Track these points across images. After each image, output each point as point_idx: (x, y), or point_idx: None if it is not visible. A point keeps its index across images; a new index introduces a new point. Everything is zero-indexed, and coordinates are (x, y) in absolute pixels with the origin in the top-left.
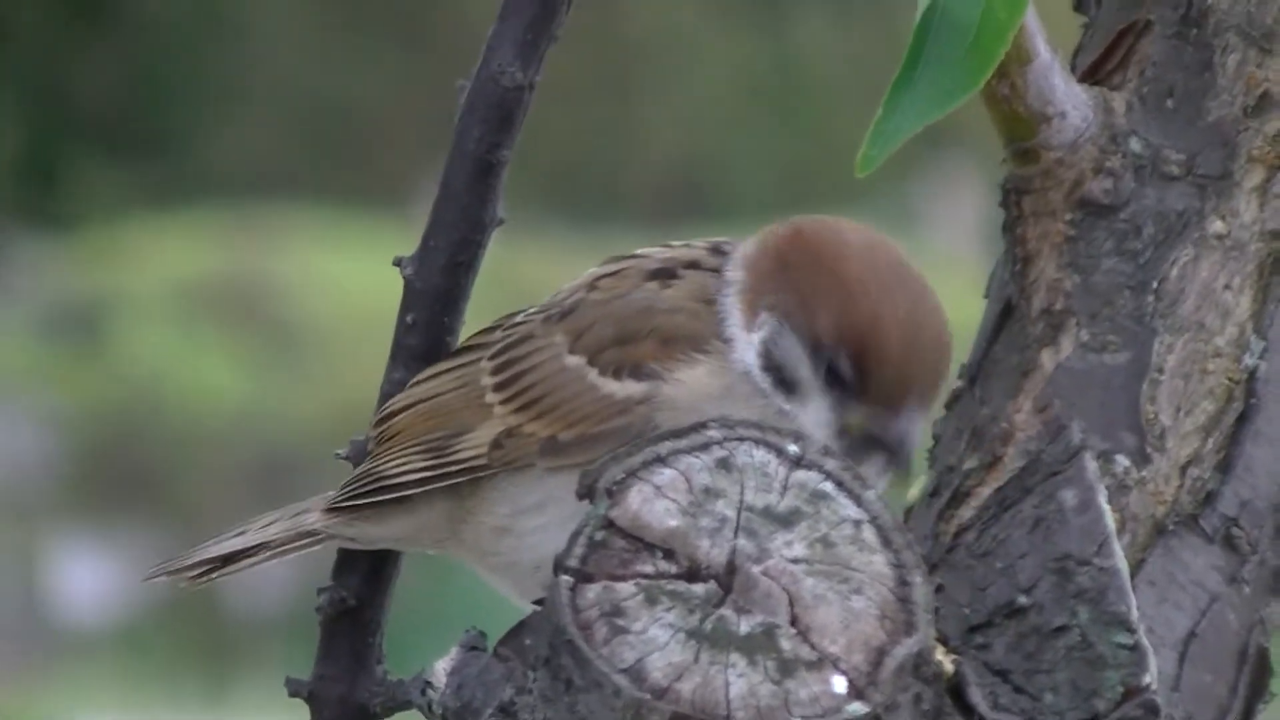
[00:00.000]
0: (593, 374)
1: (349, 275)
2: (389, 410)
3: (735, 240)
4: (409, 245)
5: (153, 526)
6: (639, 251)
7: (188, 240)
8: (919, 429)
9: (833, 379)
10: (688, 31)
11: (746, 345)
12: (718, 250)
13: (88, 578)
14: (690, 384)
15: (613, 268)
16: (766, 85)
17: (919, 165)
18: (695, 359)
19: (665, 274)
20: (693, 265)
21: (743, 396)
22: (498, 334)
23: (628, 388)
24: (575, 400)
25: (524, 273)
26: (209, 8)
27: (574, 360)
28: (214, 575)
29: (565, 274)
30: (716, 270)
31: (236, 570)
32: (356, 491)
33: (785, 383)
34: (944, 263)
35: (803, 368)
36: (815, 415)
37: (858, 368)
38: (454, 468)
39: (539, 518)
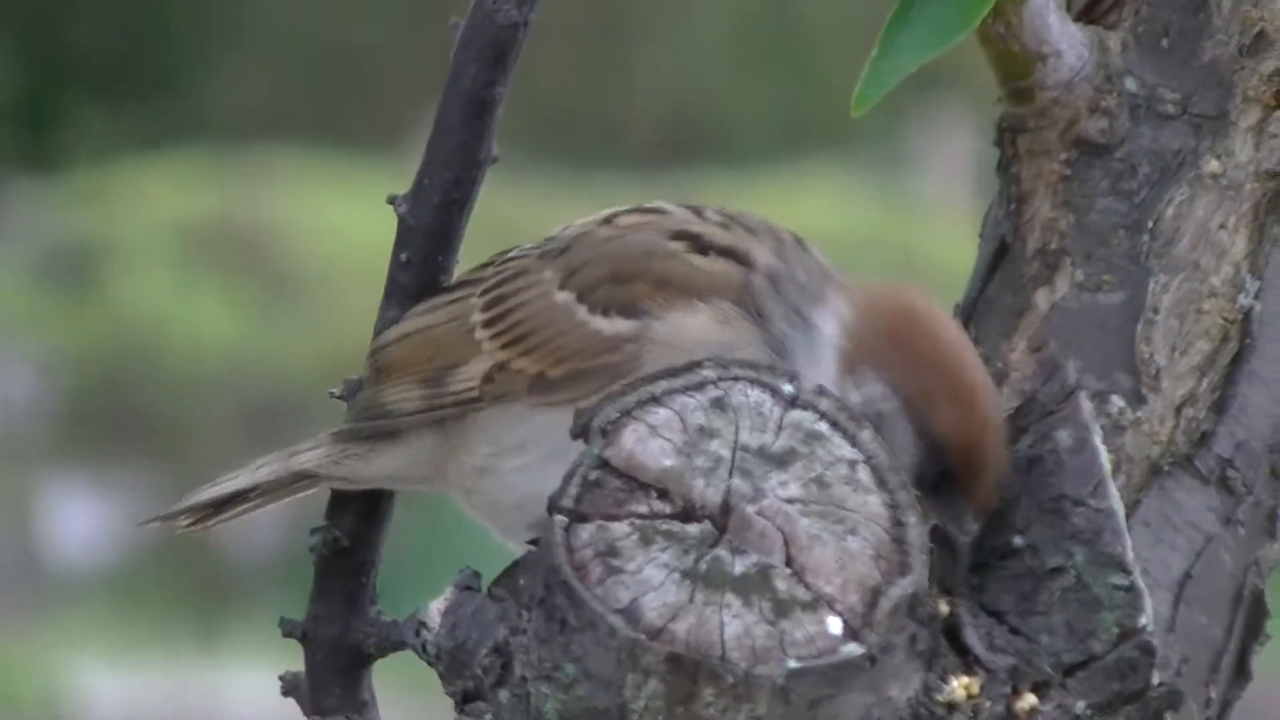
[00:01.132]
0: (582, 311)
1: (344, 218)
2: (383, 342)
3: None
4: (404, 188)
5: (146, 470)
6: (664, 206)
7: (182, 183)
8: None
9: (939, 471)
10: None
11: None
12: (748, 229)
13: (81, 522)
14: (685, 329)
15: (633, 218)
16: (760, 29)
17: (910, 108)
18: (696, 305)
19: (696, 242)
20: (728, 253)
21: (736, 323)
22: (491, 270)
23: (616, 325)
24: (563, 337)
25: (515, 215)
26: None
27: (563, 296)
28: (210, 523)
29: (556, 217)
30: (746, 263)
31: (231, 518)
32: (359, 418)
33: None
34: (935, 205)
35: (904, 449)
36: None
37: (966, 471)
38: (448, 399)
39: (519, 458)
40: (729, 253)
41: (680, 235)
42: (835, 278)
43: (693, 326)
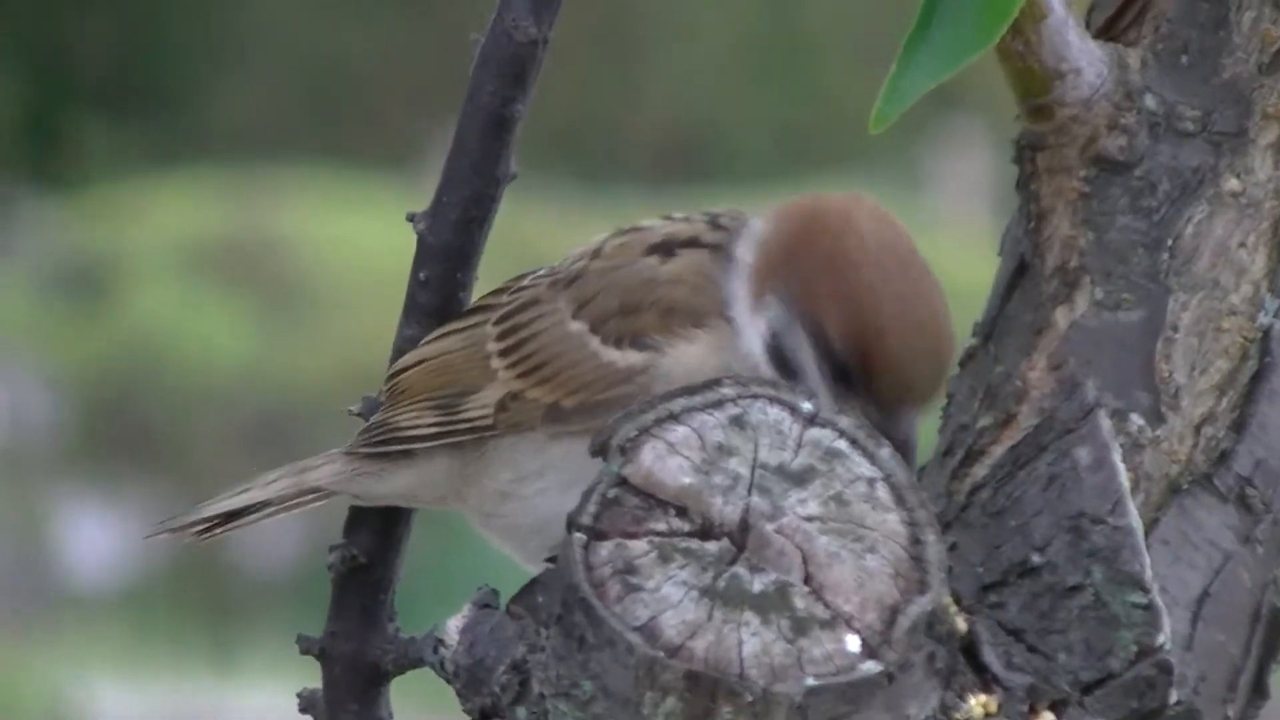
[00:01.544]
0: (595, 342)
1: (352, 233)
2: (399, 367)
3: (738, 213)
4: (411, 204)
5: (156, 485)
6: (644, 223)
7: (191, 198)
8: (916, 427)
9: (840, 376)
10: None
11: (751, 328)
12: (716, 224)
13: (92, 537)
14: (687, 359)
15: (618, 240)
16: (766, 47)
17: (923, 126)
18: (694, 334)
19: (663, 249)
20: (691, 242)
21: (733, 350)
22: (505, 297)
23: (629, 357)
24: (577, 368)
25: (526, 232)
26: None
27: (577, 327)
28: (217, 531)
29: (567, 234)
30: (717, 246)
31: (239, 526)
32: (371, 440)
33: (789, 370)
34: (948, 224)
35: (809, 361)
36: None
37: (864, 371)
38: (462, 425)
39: (539, 483)
40: (692, 242)
41: (652, 250)
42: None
43: (693, 355)
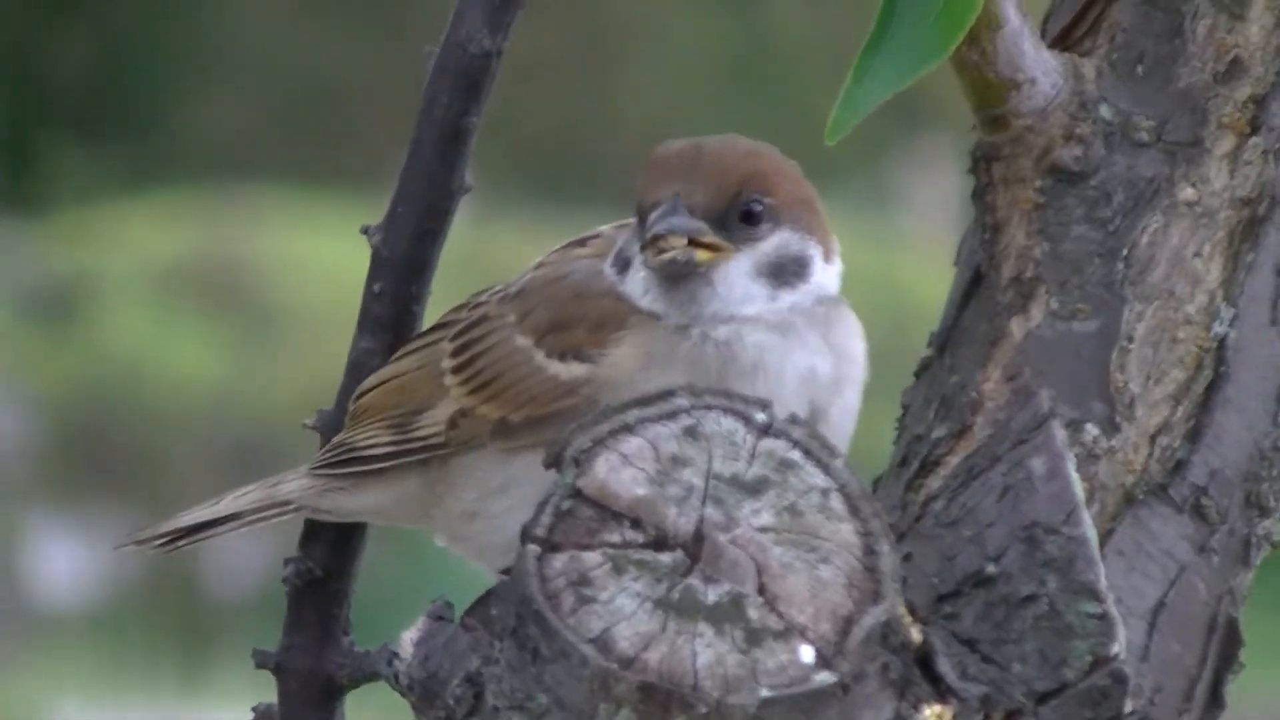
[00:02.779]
0: (539, 355)
1: (325, 256)
2: (362, 389)
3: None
4: None
5: (129, 508)
6: (577, 237)
7: (164, 221)
8: (681, 217)
9: (639, 215)
10: (663, 8)
11: (638, 285)
12: (623, 225)
13: (64, 560)
14: (622, 360)
15: (558, 251)
16: (741, 64)
17: (895, 146)
18: (622, 335)
19: (580, 242)
20: (597, 235)
21: (653, 338)
22: (464, 313)
23: (572, 370)
24: (524, 382)
25: (500, 252)
26: None
27: (522, 341)
28: (181, 543)
29: (541, 251)
30: (613, 239)
31: (206, 538)
32: (330, 460)
33: (625, 264)
34: (916, 242)
35: (631, 237)
36: (634, 266)
37: (638, 197)
38: (415, 444)
39: (505, 500)
40: (598, 234)
41: (569, 245)
42: None
43: (628, 358)
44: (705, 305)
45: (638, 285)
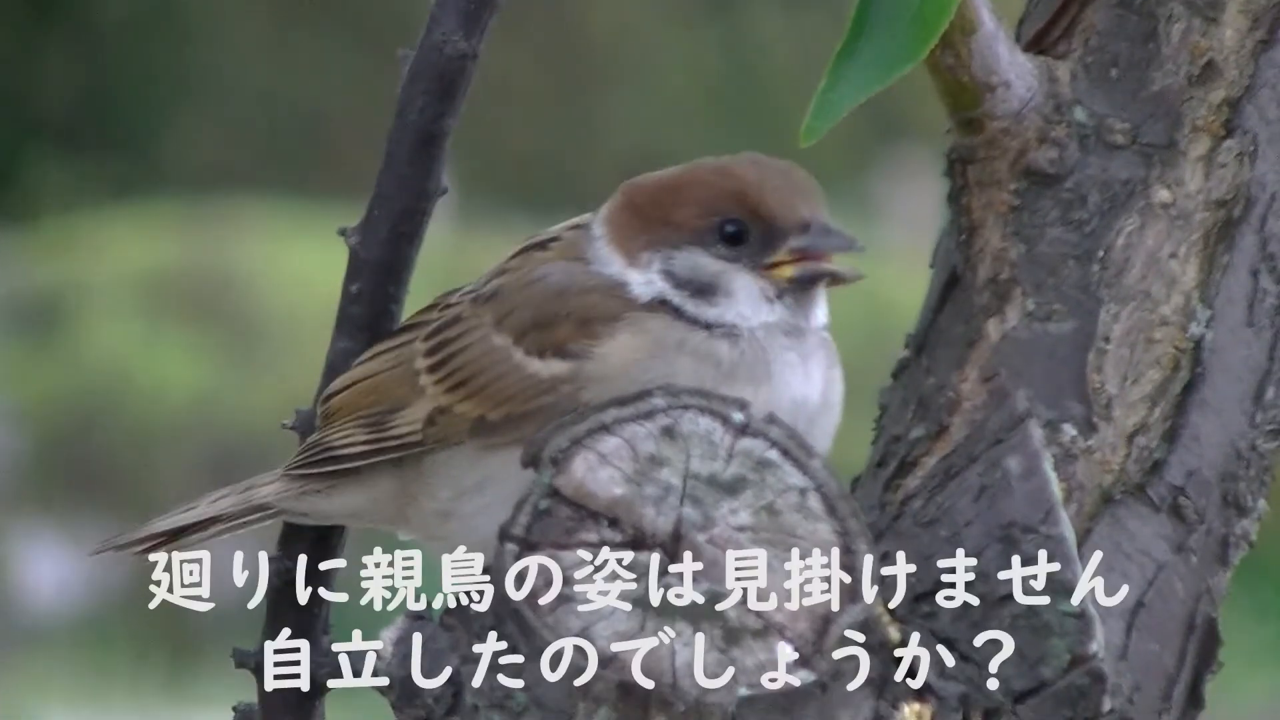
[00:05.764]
0: (518, 354)
1: (306, 268)
2: (332, 390)
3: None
4: None
5: (114, 518)
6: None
7: (147, 233)
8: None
9: (734, 239)
10: (644, 28)
11: (646, 285)
12: (575, 226)
13: (49, 568)
14: (616, 353)
15: (514, 251)
16: (722, 80)
17: (878, 158)
18: (615, 327)
19: (539, 245)
20: (556, 239)
21: (672, 339)
22: (435, 314)
23: (552, 367)
24: (502, 380)
25: (483, 266)
26: (164, 6)
27: (500, 340)
28: (161, 549)
29: (500, 258)
30: (579, 226)
31: (186, 545)
32: (305, 460)
33: (701, 291)
34: (899, 253)
35: (705, 260)
36: (744, 288)
37: (749, 213)
38: (391, 442)
39: (479, 499)
40: (559, 236)
41: (525, 249)
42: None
43: (622, 345)
44: (810, 318)
45: (754, 306)
